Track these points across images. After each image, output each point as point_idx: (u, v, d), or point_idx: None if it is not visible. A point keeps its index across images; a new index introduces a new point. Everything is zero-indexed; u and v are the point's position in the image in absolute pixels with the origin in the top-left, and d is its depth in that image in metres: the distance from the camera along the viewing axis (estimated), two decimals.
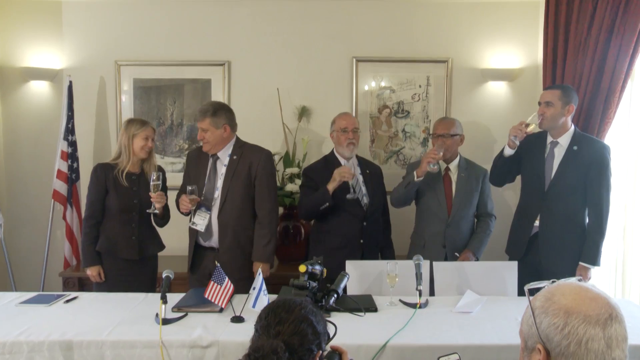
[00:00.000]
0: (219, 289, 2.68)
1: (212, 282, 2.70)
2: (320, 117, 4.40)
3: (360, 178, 3.52)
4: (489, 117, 4.49)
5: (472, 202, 3.55)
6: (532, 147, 3.47)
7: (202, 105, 3.37)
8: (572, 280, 1.37)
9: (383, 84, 4.44)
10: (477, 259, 3.37)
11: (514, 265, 3.04)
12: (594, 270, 3.27)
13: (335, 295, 2.47)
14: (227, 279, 2.71)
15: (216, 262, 2.86)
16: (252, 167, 3.29)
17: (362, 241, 3.45)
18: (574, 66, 3.77)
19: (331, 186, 3.29)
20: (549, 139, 3.40)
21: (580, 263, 3.20)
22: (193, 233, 3.34)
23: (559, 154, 3.35)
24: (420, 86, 4.44)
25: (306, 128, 4.44)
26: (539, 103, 3.35)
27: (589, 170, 3.26)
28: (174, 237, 3.71)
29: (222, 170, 3.29)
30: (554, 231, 3.28)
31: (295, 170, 4.17)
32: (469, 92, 4.47)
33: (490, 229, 3.57)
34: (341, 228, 3.41)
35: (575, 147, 3.30)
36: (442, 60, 4.42)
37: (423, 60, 4.40)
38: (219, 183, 3.26)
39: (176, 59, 4.42)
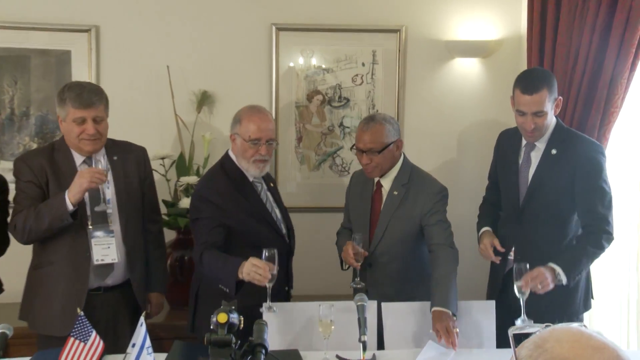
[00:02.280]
0: (81, 349, 2.63)
1: (71, 339, 2.63)
2: (227, 106, 4.33)
3: (270, 197, 3.38)
4: (456, 105, 4.50)
5: (403, 236, 3.37)
6: (506, 149, 3.51)
7: (75, 84, 3.30)
8: (574, 325, 1.37)
9: (314, 61, 4.44)
10: (454, 315, 3.08)
11: (490, 305, 3.09)
12: (592, 313, 3.39)
13: (264, 351, 2.33)
14: (94, 333, 2.66)
15: (78, 310, 2.77)
16: (138, 169, 3.40)
17: (287, 289, 3.44)
18: (568, 37, 3.76)
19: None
20: (524, 140, 3.41)
21: (549, 264, 3.09)
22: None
23: (536, 160, 3.37)
24: (363, 64, 4.45)
25: (208, 121, 4.41)
26: (520, 112, 3.25)
27: (574, 181, 3.24)
28: (14, 276, 3.47)
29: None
30: (532, 267, 3.11)
31: (193, 179, 4.08)
32: (430, 73, 4.50)
33: (444, 269, 3.20)
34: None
35: (554, 151, 3.30)
36: (393, 29, 4.44)
37: (367, 30, 4.42)
38: (109, 193, 3.32)
39: (18, 20, 4.27)
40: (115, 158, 3.36)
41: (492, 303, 3.09)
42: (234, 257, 3.01)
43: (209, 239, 3.13)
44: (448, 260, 3.19)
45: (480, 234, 3.55)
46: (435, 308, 3.00)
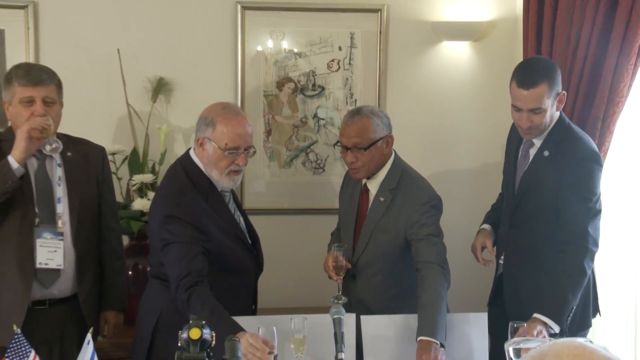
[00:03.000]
0: None
1: None
2: (186, 95, 4.33)
3: (235, 206, 3.34)
4: (445, 95, 4.49)
5: (387, 248, 3.32)
6: (511, 143, 3.55)
7: (24, 63, 3.34)
8: (578, 340, 1.37)
9: (284, 44, 4.41)
10: (442, 346, 2.99)
11: (482, 318, 3.09)
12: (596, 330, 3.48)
13: None
14: (32, 353, 2.57)
15: (14, 327, 2.64)
16: (95, 170, 3.39)
17: (253, 307, 3.38)
18: (568, 18, 3.75)
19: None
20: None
21: (535, 315, 3.08)
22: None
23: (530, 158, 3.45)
24: (340, 48, 4.43)
25: (165, 112, 4.36)
26: (516, 108, 3.25)
27: (562, 189, 3.21)
28: None
29: (57, 172, 3.31)
30: (519, 275, 3.29)
31: (148, 177, 4.07)
32: (414, 58, 4.50)
33: (431, 293, 3.09)
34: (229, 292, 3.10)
35: (546, 153, 3.30)
36: (374, 9, 4.44)
37: (345, 9, 4.42)
38: (60, 192, 3.29)
39: None
40: (69, 154, 3.32)
41: (484, 315, 3.08)
42: (229, 317, 2.84)
43: (192, 268, 2.92)
44: (437, 282, 3.08)
45: (478, 230, 3.63)
46: (421, 337, 2.90)
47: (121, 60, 4.18)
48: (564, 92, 3.28)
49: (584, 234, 3.13)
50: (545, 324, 3.03)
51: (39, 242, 3.20)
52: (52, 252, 3.22)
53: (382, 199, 3.31)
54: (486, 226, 3.57)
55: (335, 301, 3.17)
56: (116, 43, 4.20)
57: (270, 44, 4.36)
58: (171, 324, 2.93)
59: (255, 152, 3.30)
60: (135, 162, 4.13)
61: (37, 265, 3.20)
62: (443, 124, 4.48)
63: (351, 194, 3.48)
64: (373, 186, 3.35)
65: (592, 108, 3.62)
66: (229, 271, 3.12)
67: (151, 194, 3.99)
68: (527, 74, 3.22)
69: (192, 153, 3.19)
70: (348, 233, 3.44)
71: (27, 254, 3.18)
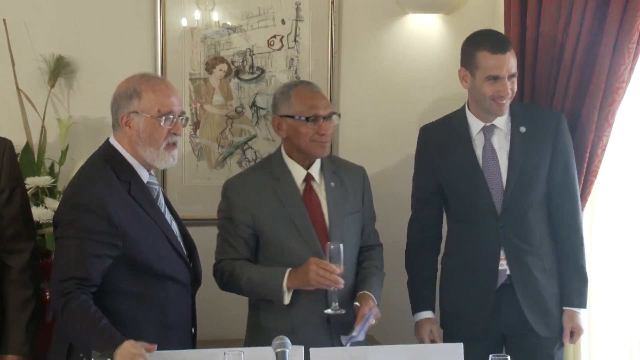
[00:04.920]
0: None
1: None
2: (93, 77, 4.28)
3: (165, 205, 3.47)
4: (411, 77, 4.52)
5: (357, 234, 3.67)
6: (448, 147, 3.69)
7: None
8: None
9: (215, 17, 4.40)
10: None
11: (457, 349, 3.07)
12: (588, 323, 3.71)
13: None
14: None
15: None
16: None
17: (193, 331, 3.44)
18: None
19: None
20: (475, 123, 3.65)
21: (566, 308, 3.65)
22: None
23: (502, 145, 3.62)
24: (284, 22, 4.44)
25: (66, 99, 4.32)
26: (494, 77, 3.48)
27: (552, 160, 3.60)
28: None
29: None
30: (532, 272, 3.60)
31: (45, 179, 4.02)
32: (374, 34, 4.53)
33: (382, 269, 3.79)
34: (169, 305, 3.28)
35: (522, 129, 3.59)
36: None
37: None
38: None
39: None
40: None
41: (459, 347, 3.06)
42: (112, 328, 2.97)
43: (80, 271, 3.01)
44: (381, 260, 3.76)
45: (417, 319, 3.77)
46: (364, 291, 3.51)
47: (8, 33, 4.07)
48: None
49: (577, 222, 3.66)
50: (576, 314, 3.62)
51: None
52: None
53: (332, 184, 3.58)
54: (428, 315, 3.72)
55: (332, 312, 3.36)
56: (2, 11, 4.10)
57: (197, 15, 4.32)
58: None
59: (187, 120, 3.59)
60: (29, 162, 4.04)
61: None
62: (408, 110, 4.47)
63: (276, 199, 3.54)
64: (316, 172, 3.58)
65: (587, 96, 3.67)
66: (156, 277, 3.17)
67: (50, 201, 3.91)
68: (496, 39, 3.57)
69: (111, 140, 3.28)
70: (307, 240, 3.50)
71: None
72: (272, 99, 3.63)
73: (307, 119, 3.44)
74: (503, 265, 3.61)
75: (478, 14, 4.46)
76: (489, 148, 3.60)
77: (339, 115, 3.57)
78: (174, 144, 3.22)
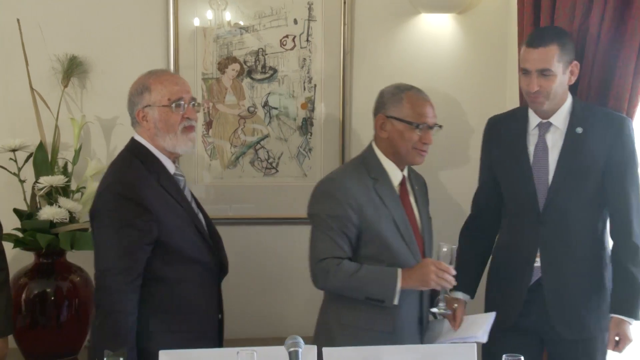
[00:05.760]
0: None
1: None
2: (106, 77, 4.31)
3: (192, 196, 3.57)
4: (423, 77, 4.39)
5: (433, 231, 3.73)
6: (505, 137, 3.69)
7: None
8: None
9: (227, 17, 4.41)
10: None
11: (470, 350, 3.06)
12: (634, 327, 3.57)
13: None
14: None
15: None
16: None
17: (220, 317, 3.51)
18: None
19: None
20: (533, 119, 3.60)
21: (613, 315, 3.52)
22: None
23: (555, 143, 3.57)
24: (296, 22, 4.44)
25: (79, 98, 4.33)
26: (525, 71, 3.49)
27: (607, 165, 3.50)
28: None
29: None
30: (565, 274, 3.54)
31: (58, 179, 4.02)
32: (387, 34, 4.52)
33: None
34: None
35: (579, 130, 3.52)
36: None
37: None
38: None
39: None
40: None
41: (473, 348, 3.06)
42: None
43: (132, 263, 3.19)
44: None
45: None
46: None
47: (22, 33, 4.09)
48: (576, 62, 3.47)
49: (634, 229, 3.51)
50: (625, 323, 3.49)
51: None
52: None
53: (416, 188, 3.64)
54: (458, 294, 3.67)
55: (438, 311, 3.45)
56: (16, 12, 4.13)
57: (209, 15, 4.33)
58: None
59: (200, 105, 3.72)
60: (43, 161, 4.08)
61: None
62: None
63: (378, 199, 3.50)
64: (407, 176, 3.58)
65: (610, 97, 3.63)
66: (186, 262, 3.29)
67: (63, 201, 3.96)
68: (537, 35, 3.54)
69: (135, 136, 3.39)
70: (407, 240, 3.50)
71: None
72: (379, 97, 3.55)
73: (416, 126, 3.42)
74: (538, 262, 3.60)
75: (491, 14, 4.47)
76: (541, 145, 3.57)
77: (440, 127, 3.52)
78: (190, 127, 3.35)
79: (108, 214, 3.26)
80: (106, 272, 3.19)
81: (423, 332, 3.60)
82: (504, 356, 2.74)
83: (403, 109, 3.46)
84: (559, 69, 3.41)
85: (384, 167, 3.52)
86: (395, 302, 3.37)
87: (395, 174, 3.53)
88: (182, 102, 3.32)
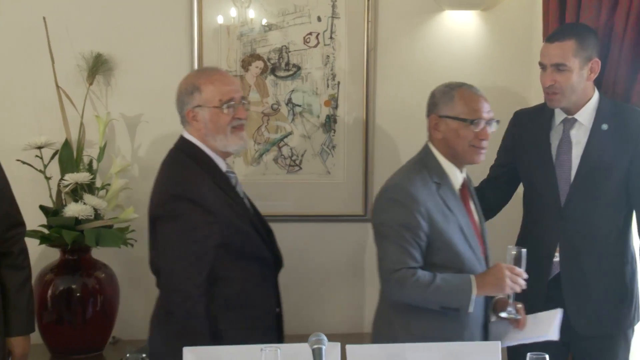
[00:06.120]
0: None
1: None
2: (130, 75, 4.34)
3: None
4: (447, 75, 4.02)
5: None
6: (530, 131, 3.70)
7: None
8: None
9: (251, 14, 4.41)
10: None
11: (494, 348, 3.04)
12: None
13: None
14: None
15: None
16: None
17: (278, 310, 3.53)
18: None
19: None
20: (558, 115, 3.61)
21: None
22: None
23: (579, 139, 3.57)
24: (319, 19, 4.44)
25: (104, 96, 4.36)
26: (542, 66, 3.50)
27: (633, 162, 3.49)
28: None
29: None
30: (584, 270, 3.55)
31: (84, 176, 4.04)
32: (411, 31, 4.51)
33: None
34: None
35: (604, 126, 3.51)
36: None
37: None
38: None
39: None
40: None
41: (497, 345, 3.04)
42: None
43: (200, 269, 3.20)
44: None
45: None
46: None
47: (48, 31, 4.12)
48: (597, 59, 3.45)
49: None
50: None
51: None
52: None
53: (472, 189, 3.55)
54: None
55: (507, 316, 3.37)
56: (42, 10, 4.14)
57: (233, 13, 4.33)
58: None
59: (249, 103, 3.82)
60: (68, 158, 4.09)
61: None
62: None
63: (443, 204, 3.39)
64: (465, 176, 3.48)
65: (634, 94, 3.60)
66: (248, 260, 3.33)
67: (88, 198, 3.98)
68: (556, 30, 3.59)
69: (186, 135, 3.40)
70: (473, 245, 3.42)
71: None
72: (430, 98, 3.46)
73: (470, 122, 3.32)
74: (557, 257, 3.61)
75: (516, 10, 4.46)
76: (565, 140, 3.58)
77: (498, 122, 3.40)
78: (240, 127, 3.35)
79: (173, 217, 3.28)
80: (177, 278, 3.22)
81: (487, 337, 3.53)
82: (528, 354, 2.73)
83: (455, 107, 3.36)
84: (575, 65, 3.41)
85: (445, 169, 3.42)
86: (471, 309, 3.29)
87: (456, 177, 3.43)
88: (233, 103, 3.33)
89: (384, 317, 3.51)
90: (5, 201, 3.30)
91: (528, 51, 3.77)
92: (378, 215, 3.39)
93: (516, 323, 3.38)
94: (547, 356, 2.57)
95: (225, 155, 3.42)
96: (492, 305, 3.50)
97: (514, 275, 3.22)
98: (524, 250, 3.26)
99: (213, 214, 3.25)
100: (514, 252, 3.28)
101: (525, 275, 3.23)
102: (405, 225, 3.27)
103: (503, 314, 3.39)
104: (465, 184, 3.47)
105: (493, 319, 3.49)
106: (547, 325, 3.33)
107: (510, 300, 3.35)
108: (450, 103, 3.36)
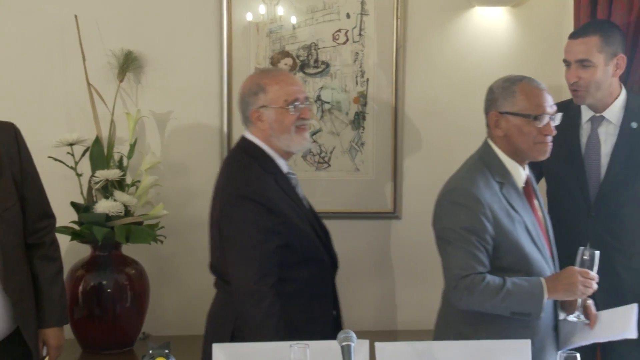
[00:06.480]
0: None
1: None
2: (160, 72, 4.36)
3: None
4: (477, 72, 4.43)
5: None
6: (559, 130, 3.54)
7: None
8: None
9: (280, 11, 4.43)
10: None
11: (524, 346, 3.02)
12: None
13: None
14: None
15: None
16: (8, 160, 3.19)
17: (335, 313, 3.51)
18: None
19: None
20: (586, 112, 3.60)
21: None
22: None
23: (607, 137, 3.56)
24: (349, 16, 4.44)
25: (134, 93, 4.39)
26: (566, 63, 3.52)
27: None
28: None
29: None
30: (616, 269, 3.52)
31: (114, 173, 4.08)
32: (440, 28, 4.52)
33: None
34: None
35: (634, 124, 3.52)
36: None
37: None
38: None
39: None
40: None
41: (527, 342, 3.02)
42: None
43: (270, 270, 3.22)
44: None
45: None
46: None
47: (80, 29, 4.14)
48: (622, 55, 3.44)
49: None
50: None
51: None
52: None
53: (535, 186, 3.44)
54: None
55: (575, 319, 3.28)
56: (73, 8, 4.17)
57: (262, 10, 4.34)
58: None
59: (312, 103, 3.90)
60: (98, 155, 4.11)
61: None
62: (474, 107, 4.21)
63: (508, 205, 3.28)
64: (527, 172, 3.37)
65: None
66: (307, 262, 3.31)
67: (119, 194, 4.01)
68: (581, 27, 3.61)
69: (248, 135, 3.40)
70: (540, 246, 3.31)
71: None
72: (488, 94, 3.32)
73: (534, 118, 3.17)
74: (587, 255, 3.45)
75: (547, 7, 4.45)
76: (594, 138, 3.57)
77: (562, 116, 3.26)
78: (304, 127, 3.34)
79: (242, 219, 3.27)
80: (250, 279, 3.22)
81: (558, 339, 3.42)
82: (558, 353, 2.73)
83: (517, 102, 3.21)
84: (600, 60, 3.41)
85: (507, 167, 3.28)
86: (542, 314, 3.18)
87: (520, 174, 3.29)
88: (298, 103, 3.33)
89: (450, 324, 3.40)
90: (36, 191, 3.30)
91: (559, 48, 3.73)
92: (440, 220, 3.25)
93: (587, 322, 3.27)
94: (578, 355, 2.54)
95: (287, 155, 3.42)
96: (560, 304, 3.35)
97: (587, 279, 3.12)
98: (597, 253, 3.16)
99: (278, 215, 3.26)
100: (586, 255, 3.19)
101: (597, 278, 3.13)
102: (471, 228, 3.15)
103: (571, 318, 3.29)
104: (529, 181, 3.34)
105: (561, 317, 3.33)
106: (624, 323, 3.22)
107: (579, 303, 3.25)
108: (512, 98, 3.23)
